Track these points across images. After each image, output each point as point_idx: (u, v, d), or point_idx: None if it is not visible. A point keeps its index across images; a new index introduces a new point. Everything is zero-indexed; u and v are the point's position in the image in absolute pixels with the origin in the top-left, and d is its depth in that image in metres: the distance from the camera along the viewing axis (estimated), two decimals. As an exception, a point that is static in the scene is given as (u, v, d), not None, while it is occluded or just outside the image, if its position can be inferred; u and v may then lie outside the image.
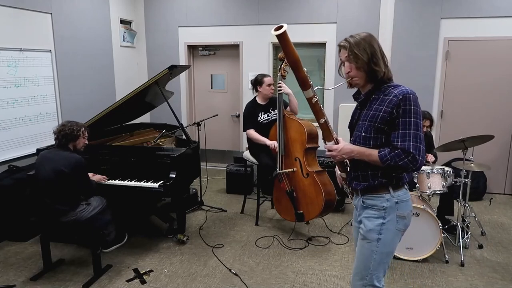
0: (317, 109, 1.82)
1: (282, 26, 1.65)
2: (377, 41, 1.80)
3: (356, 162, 1.86)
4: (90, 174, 3.28)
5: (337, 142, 1.86)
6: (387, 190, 1.80)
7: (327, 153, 1.87)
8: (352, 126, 1.95)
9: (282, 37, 1.67)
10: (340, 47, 1.84)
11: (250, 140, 4.16)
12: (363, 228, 1.85)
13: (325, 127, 1.85)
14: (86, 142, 3.18)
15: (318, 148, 3.75)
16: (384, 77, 1.76)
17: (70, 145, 3.05)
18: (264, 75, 4.03)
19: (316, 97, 1.79)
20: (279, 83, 3.71)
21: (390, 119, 1.70)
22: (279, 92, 3.70)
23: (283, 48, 1.72)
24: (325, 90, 5.50)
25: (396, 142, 1.69)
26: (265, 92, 3.98)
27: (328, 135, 1.86)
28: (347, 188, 2.03)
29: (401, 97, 1.68)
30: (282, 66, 3.81)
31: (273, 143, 3.78)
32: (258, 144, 4.02)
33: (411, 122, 1.67)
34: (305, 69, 1.77)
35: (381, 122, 1.72)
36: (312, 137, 3.64)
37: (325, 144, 1.89)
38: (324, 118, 1.84)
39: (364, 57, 1.74)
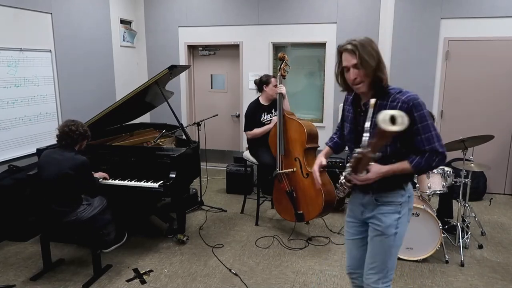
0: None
1: (395, 119, 1.39)
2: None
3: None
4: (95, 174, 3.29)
5: (368, 170, 1.74)
6: (401, 186, 1.84)
7: (362, 180, 1.75)
8: (357, 133, 1.87)
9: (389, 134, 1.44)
10: (345, 51, 1.75)
11: (250, 140, 4.17)
12: (380, 225, 1.86)
13: (368, 162, 1.67)
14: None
15: (319, 148, 3.77)
16: (385, 83, 1.76)
17: (77, 146, 3.00)
18: (269, 76, 4.06)
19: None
20: (280, 86, 3.74)
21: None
22: (278, 92, 3.73)
23: (381, 141, 1.48)
24: (325, 90, 5.50)
25: (423, 147, 1.72)
26: (271, 92, 3.98)
27: (362, 169, 1.71)
28: (345, 189, 1.94)
29: (411, 103, 1.70)
30: (282, 66, 3.82)
31: (275, 120, 3.81)
32: (258, 144, 4.03)
33: (429, 125, 1.71)
34: None
35: None
36: (312, 137, 3.64)
37: (354, 175, 1.74)
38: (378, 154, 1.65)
39: (372, 63, 1.70)
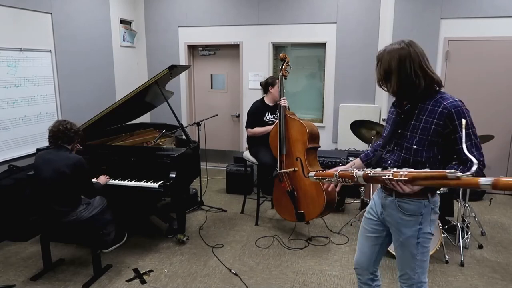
0: None
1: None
2: (415, 49, 1.75)
3: (404, 162, 1.81)
4: (95, 179, 3.28)
5: None
6: (426, 195, 1.78)
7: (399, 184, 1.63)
8: (394, 135, 1.87)
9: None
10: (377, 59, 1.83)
11: (250, 139, 4.18)
12: (401, 235, 1.85)
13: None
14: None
15: (321, 148, 3.78)
16: (430, 85, 1.74)
17: (71, 145, 3.00)
18: (275, 78, 4.11)
19: None
20: (283, 99, 3.73)
21: (445, 133, 1.70)
22: (282, 105, 3.70)
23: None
24: (325, 90, 5.50)
25: (464, 156, 1.64)
26: (275, 93, 4.04)
27: (425, 183, 1.59)
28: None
29: (453, 110, 1.67)
30: (283, 67, 3.83)
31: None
32: (258, 144, 4.03)
33: (471, 134, 1.69)
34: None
35: (434, 135, 1.71)
36: (314, 137, 3.64)
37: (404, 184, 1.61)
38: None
39: (393, 71, 1.73)
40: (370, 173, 1.68)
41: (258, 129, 4.06)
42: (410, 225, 1.81)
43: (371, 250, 2.05)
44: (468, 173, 1.42)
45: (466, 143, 1.64)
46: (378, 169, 1.69)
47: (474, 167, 1.46)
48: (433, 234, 1.87)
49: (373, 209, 2.01)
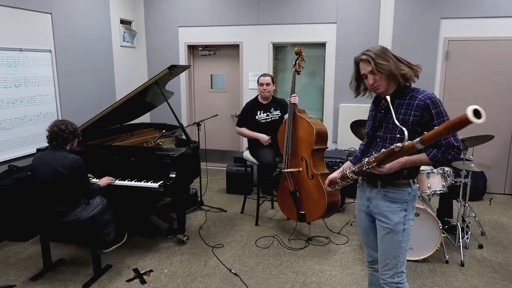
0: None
1: (480, 114, 1.37)
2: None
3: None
4: (98, 179, 3.28)
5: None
6: (408, 184, 1.95)
7: (375, 169, 1.82)
8: (375, 128, 2.03)
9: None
10: (361, 61, 1.94)
11: (250, 139, 4.17)
12: (388, 223, 1.97)
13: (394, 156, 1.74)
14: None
15: (327, 149, 3.74)
16: (403, 84, 1.91)
17: (68, 145, 2.98)
18: (262, 75, 4.07)
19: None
20: (293, 96, 3.65)
21: (423, 122, 1.85)
22: (292, 102, 3.63)
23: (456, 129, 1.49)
24: (325, 90, 5.51)
25: (440, 141, 1.82)
26: (261, 90, 4.03)
27: (389, 161, 1.78)
28: (348, 182, 2.02)
29: (428, 101, 1.84)
30: (297, 61, 3.72)
31: (264, 139, 3.85)
32: (259, 144, 4.02)
33: (446, 121, 1.76)
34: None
35: (413, 124, 1.86)
36: (321, 138, 3.55)
37: (378, 167, 1.80)
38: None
39: (386, 67, 1.86)
40: (354, 169, 1.91)
41: (245, 131, 4.04)
42: (397, 211, 1.96)
43: (374, 242, 2.14)
44: (406, 143, 1.59)
45: None
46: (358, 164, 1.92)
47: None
48: (413, 220, 2.03)
49: (361, 204, 2.14)
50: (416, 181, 2.02)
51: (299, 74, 3.76)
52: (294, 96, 3.65)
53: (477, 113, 1.38)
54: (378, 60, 1.86)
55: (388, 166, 1.80)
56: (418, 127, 1.86)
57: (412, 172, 1.95)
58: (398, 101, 1.92)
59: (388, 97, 1.85)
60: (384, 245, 2.02)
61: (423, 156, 1.86)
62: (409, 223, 1.98)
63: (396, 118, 1.82)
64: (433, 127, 1.79)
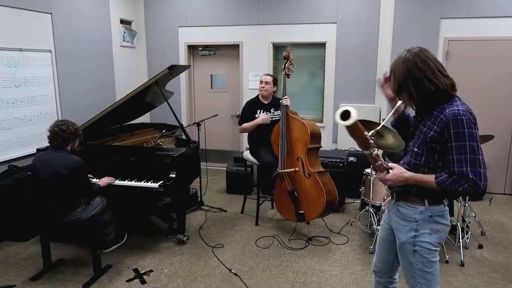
0: (372, 157, 1.73)
1: (349, 113, 1.43)
2: (428, 56, 1.69)
3: (409, 164, 1.81)
4: (97, 179, 3.27)
5: (388, 171, 1.73)
6: (422, 201, 1.76)
7: (380, 179, 1.76)
8: (410, 135, 1.89)
9: (352, 127, 1.52)
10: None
11: (250, 139, 4.17)
12: (398, 241, 1.85)
13: (374, 160, 1.71)
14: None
15: (321, 148, 3.77)
16: (442, 93, 1.67)
17: (69, 145, 2.98)
18: (265, 74, 4.14)
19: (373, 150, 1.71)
20: (285, 98, 3.70)
21: (441, 141, 1.65)
22: (284, 104, 3.68)
23: (354, 136, 1.59)
24: (325, 90, 5.50)
25: (452, 168, 1.61)
26: (260, 89, 4.08)
27: (379, 167, 1.73)
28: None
29: (451, 118, 1.60)
30: (286, 65, 3.81)
31: (265, 118, 3.94)
32: (259, 144, 4.03)
33: (467, 147, 1.59)
34: (368, 133, 1.69)
35: (432, 141, 1.68)
36: (315, 138, 3.63)
37: (377, 174, 1.77)
38: (371, 151, 1.69)
39: (400, 81, 1.73)
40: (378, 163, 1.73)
41: (245, 125, 4.05)
42: (405, 230, 1.79)
43: (387, 256, 2.03)
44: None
45: (456, 155, 1.61)
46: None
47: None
48: (436, 247, 1.77)
49: (386, 213, 2.03)
50: (441, 202, 1.79)
51: (288, 77, 3.84)
52: (286, 98, 3.71)
53: (345, 115, 1.38)
54: (394, 75, 1.75)
55: (388, 176, 1.69)
56: (438, 145, 1.66)
57: (424, 189, 1.72)
58: (431, 111, 1.72)
59: (399, 103, 1.76)
60: (401, 262, 1.90)
61: (430, 178, 1.67)
62: (422, 246, 1.74)
63: (422, 130, 1.72)
64: (450, 149, 1.62)
